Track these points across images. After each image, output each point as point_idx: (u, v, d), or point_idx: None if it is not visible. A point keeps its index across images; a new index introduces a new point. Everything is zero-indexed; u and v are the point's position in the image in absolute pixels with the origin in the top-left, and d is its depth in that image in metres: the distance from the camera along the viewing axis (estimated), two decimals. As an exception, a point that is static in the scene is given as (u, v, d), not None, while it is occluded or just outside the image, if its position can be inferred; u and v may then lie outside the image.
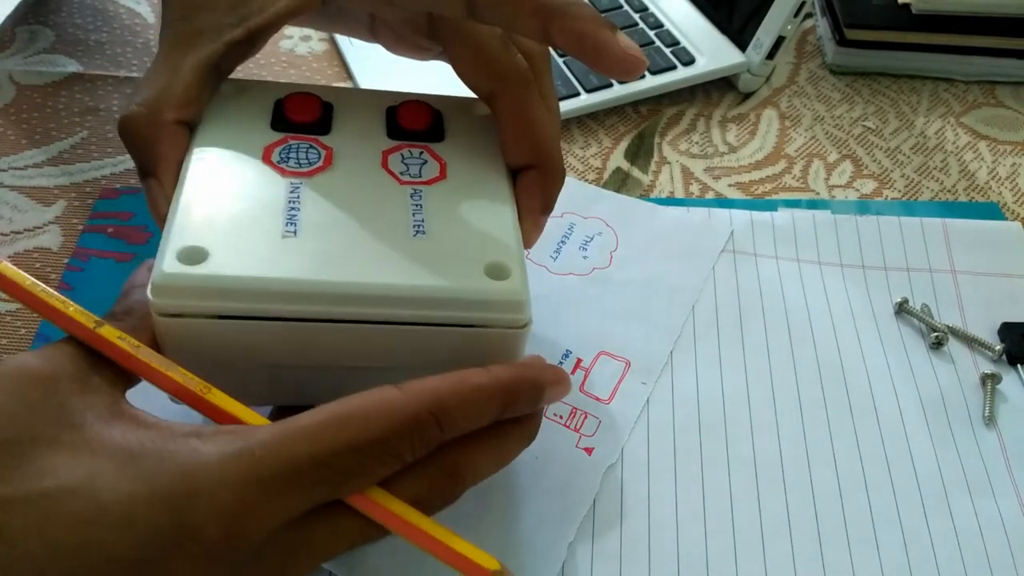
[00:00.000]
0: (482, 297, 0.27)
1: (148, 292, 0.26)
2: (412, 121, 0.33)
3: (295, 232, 0.28)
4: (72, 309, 0.25)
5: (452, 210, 0.30)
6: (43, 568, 0.21)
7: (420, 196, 0.30)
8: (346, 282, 0.27)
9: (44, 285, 0.26)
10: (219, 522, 0.22)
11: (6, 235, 0.43)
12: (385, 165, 0.31)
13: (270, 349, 0.27)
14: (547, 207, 0.32)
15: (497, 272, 0.28)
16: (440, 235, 0.29)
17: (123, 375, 0.26)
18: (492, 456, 0.28)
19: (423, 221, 0.29)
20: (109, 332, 0.25)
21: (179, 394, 0.25)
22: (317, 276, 0.26)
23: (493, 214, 0.30)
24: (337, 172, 0.30)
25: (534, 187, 0.32)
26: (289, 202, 0.29)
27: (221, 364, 0.27)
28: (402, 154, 0.32)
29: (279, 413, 0.30)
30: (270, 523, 0.22)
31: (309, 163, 0.30)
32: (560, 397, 0.29)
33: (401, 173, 0.31)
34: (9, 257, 0.42)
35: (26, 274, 0.26)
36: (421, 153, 0.32)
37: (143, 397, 0.26)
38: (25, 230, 0.43)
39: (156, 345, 0.27)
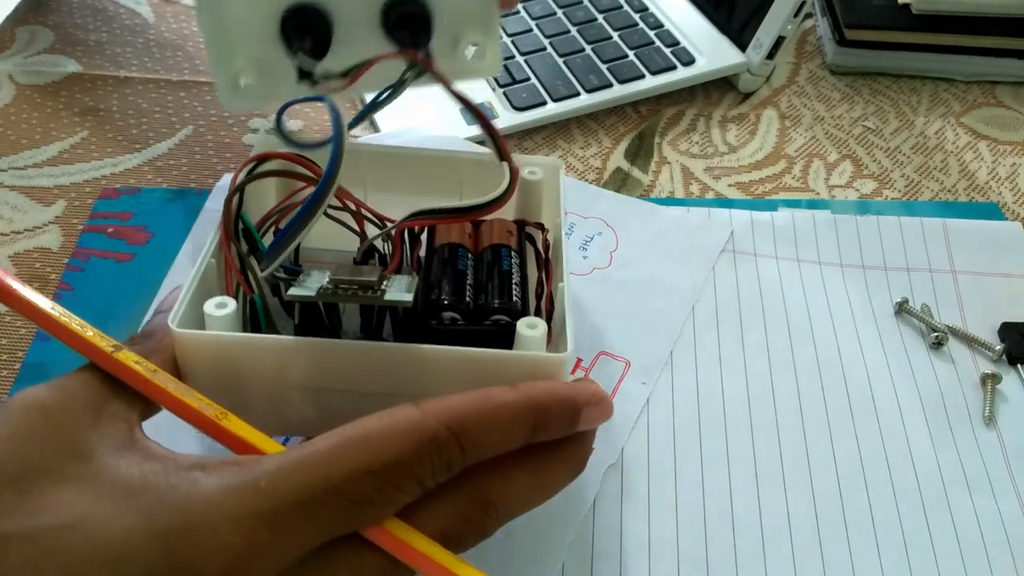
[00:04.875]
0: None
1: None
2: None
3: None
4: (91, 333, 0.25)
5: None
6: None
7: None
8: None
9: (63, 309, 0.25)
10: (219, 561, 0.20)
11: (6, 235, 0.43)
12: None
13: (295, 367, 0.26)
14: None
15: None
16: None
17: (141, 401, 0.25)
18: (528, 484, 0.25)
19: None
20: (127, 357, 0.24)
21: (194, 420, 0.24)
22: None
23: None
24: None
25: None
26: None
27: (242, 388, 0.27)
28: None
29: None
30: (279, 561, 0.21)
31: None
32: (601, 421, 0.26)
33: None
34: (9, 257, 0.42)
35: (45, 298, 0.26)
36: None
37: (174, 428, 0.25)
38: (25, 230, 0.43)
39: (177, 370, 0.26)
